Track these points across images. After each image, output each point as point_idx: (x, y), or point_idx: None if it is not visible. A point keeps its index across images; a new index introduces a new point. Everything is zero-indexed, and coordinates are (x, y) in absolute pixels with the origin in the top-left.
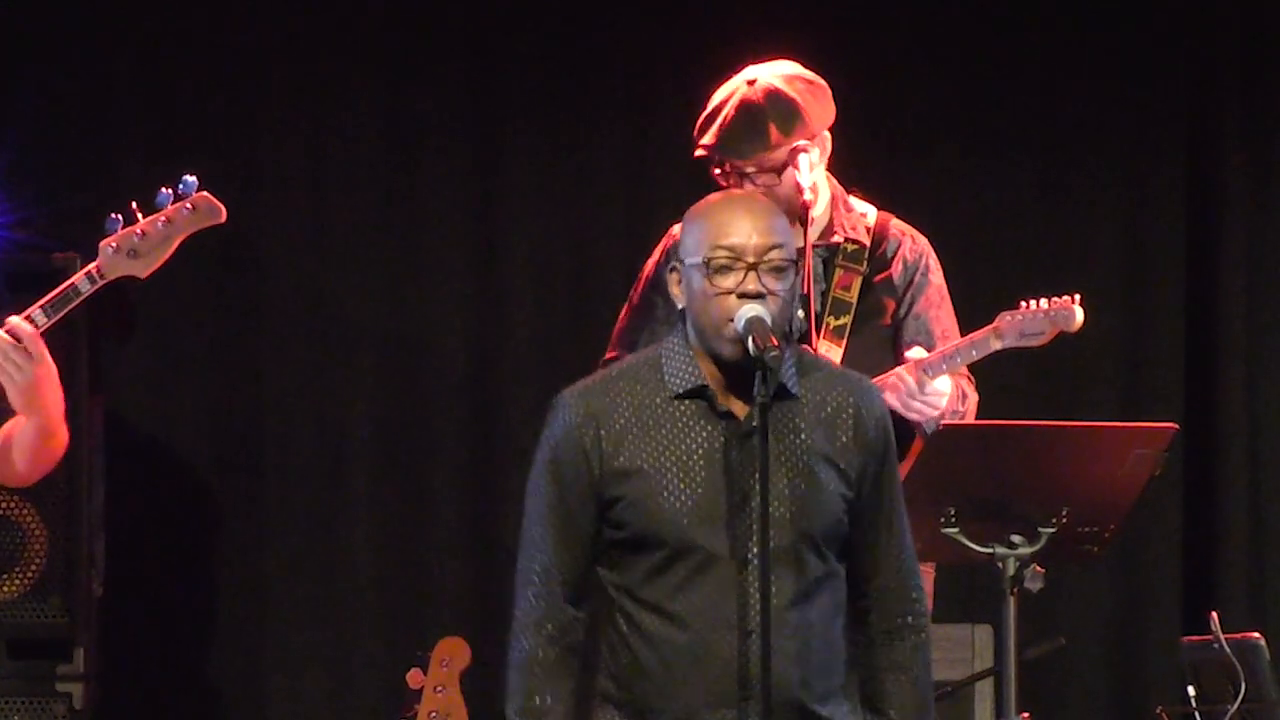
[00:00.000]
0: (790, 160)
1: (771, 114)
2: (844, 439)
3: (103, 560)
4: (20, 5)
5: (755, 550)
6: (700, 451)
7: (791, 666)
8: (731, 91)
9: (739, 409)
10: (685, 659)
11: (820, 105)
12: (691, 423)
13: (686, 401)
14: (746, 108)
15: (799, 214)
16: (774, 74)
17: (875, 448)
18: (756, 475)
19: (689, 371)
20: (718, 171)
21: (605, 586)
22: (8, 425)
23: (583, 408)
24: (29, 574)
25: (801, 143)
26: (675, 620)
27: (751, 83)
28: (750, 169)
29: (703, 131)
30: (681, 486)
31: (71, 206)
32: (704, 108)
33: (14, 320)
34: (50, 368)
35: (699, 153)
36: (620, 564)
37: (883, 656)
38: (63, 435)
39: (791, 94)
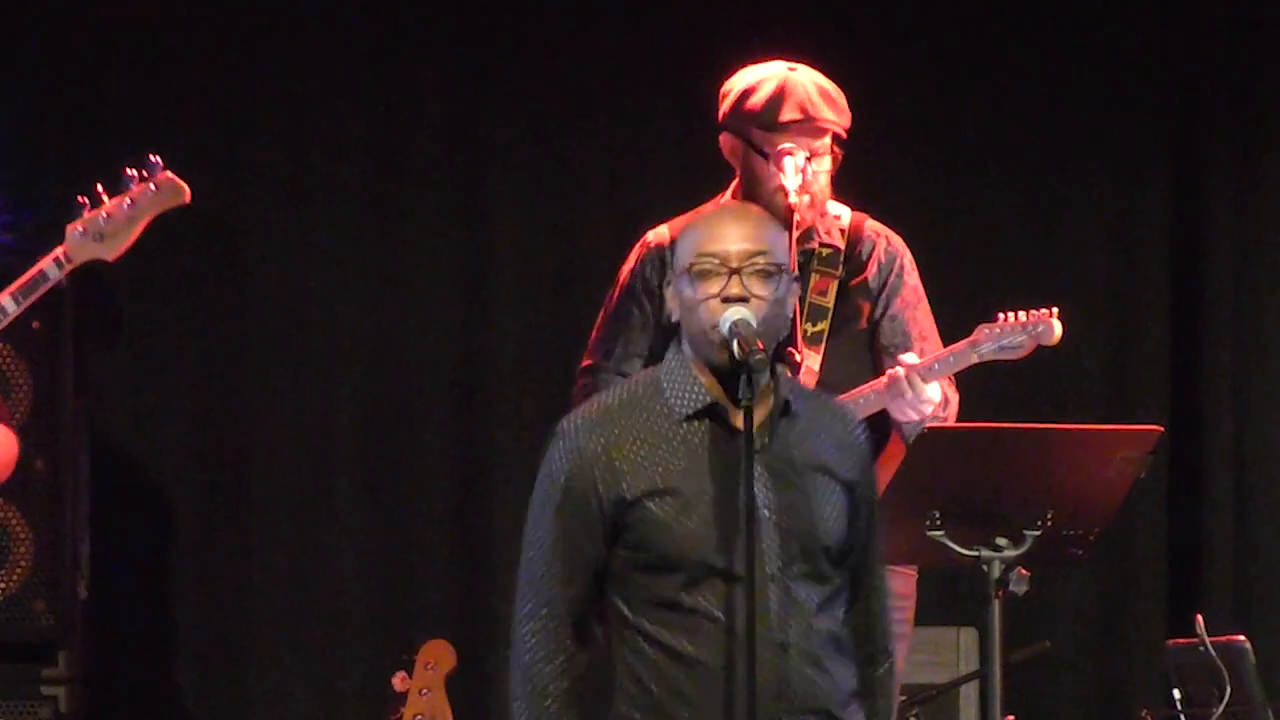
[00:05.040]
0: (776, 162)
1: (837, 95)
2: (843, 457)
3: (88, 563)
4: (6, 9)
5: (775, 563)
6: (715, 471)
7: (820, 675)
8: (783, 79)
9: (741, 425)
10: (715, 677)
11: None
12: (702, 442)
13: (695, 422)
14: (816, 84)
15: (784, 216)
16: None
17: (866, 472)
18: (772, 488)
19: (693, 391)
20: (780, 149)
21: (620, 614)
22: None
23: (590, 438)
24: (14, 577)
25: (788, 145)
26: (707, 638)
27: (794, 69)
28: (818, 144)
29: (772, 111)
30: (697, 507)
31: (57, 211)
32: (745, 102)
33: None
34: None
35: (777, 124)
36: (639, 588)
37: (861, 679)
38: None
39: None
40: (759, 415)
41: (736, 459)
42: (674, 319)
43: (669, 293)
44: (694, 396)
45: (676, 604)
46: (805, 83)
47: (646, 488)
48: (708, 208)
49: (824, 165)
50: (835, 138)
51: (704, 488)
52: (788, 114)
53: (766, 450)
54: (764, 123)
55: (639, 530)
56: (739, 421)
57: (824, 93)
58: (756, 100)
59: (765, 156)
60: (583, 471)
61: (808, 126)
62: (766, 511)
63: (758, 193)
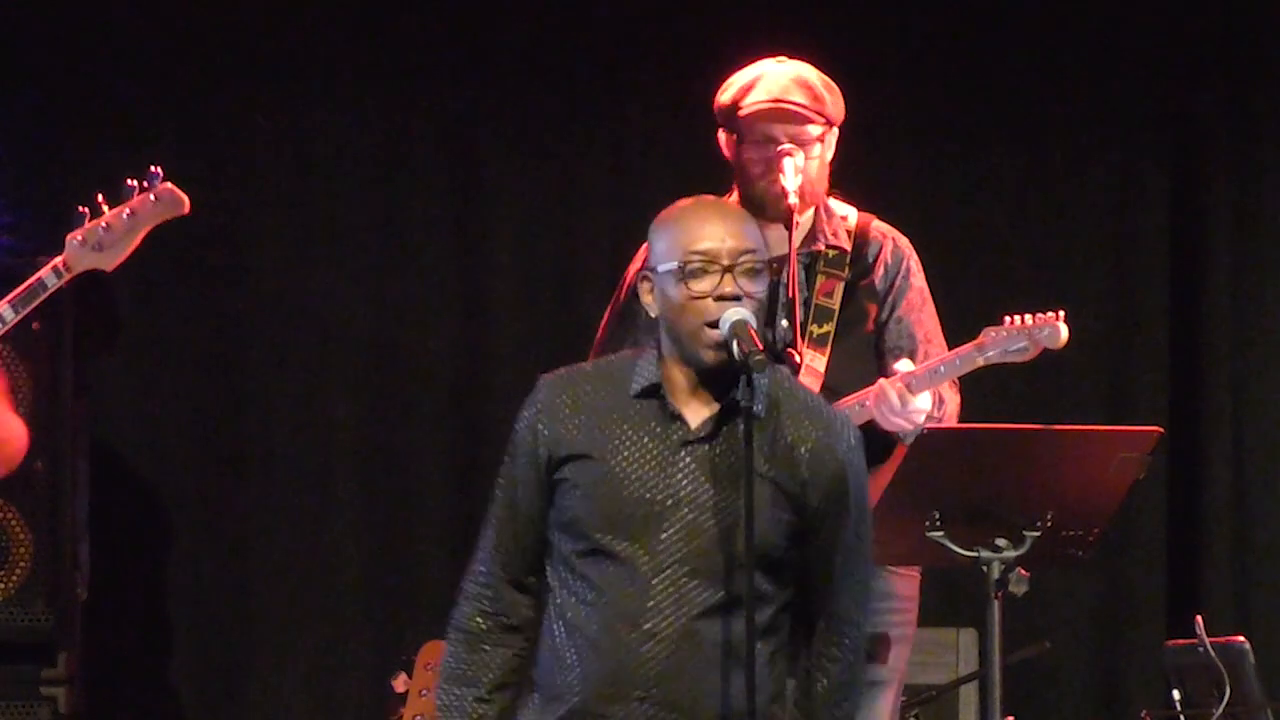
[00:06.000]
0: (775, 163)
1: (817, 83)
2: (796, 470)
3: (87, 564)
4: (6, 12)
5: (675, 555)
6: (648, 451)
7: (700, 677)
8: (762, 69)
9: (693, 415)
10: (592, 650)
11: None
12: (643, 422)
13: (643, 401)
14: (797, 73)
15: (784, 216)
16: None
17: (831, 489)
18: (703, 483)
19: (649, 372)
20: (753, 142)
21: (551, 573)
22: None
23: (548, 394)
24: (13, 578)
25: (787, 146)
26: (593, 610)
27: (781, 62)
28: (796, 130)
29: (742, 97)
30: (618, 481)
31: (56, 212)
32: (723, 95)
33: None
34: None
35: (745, 111)
36: (558, 543)
37: (806, 686)
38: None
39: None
40: (708, 411)
41: (671, 443)
42: (651, 314)
43: (643, 288)
44: (647, 376)
45: (579, 571)
46: (782, 72)
47: (574, 451)
48: (684, 202)
49: (812, 153)
50: (830, 128)
51: (628, 465)
52: (754, 97)
53: (712, 445)
54: (736, 110)
55: (559, 489)
56: (684, 408)
57: (802, 81)
58: (734, 91)
59: (744, 141)
60: (535, 424)
61: (777, 112)
62: (671, 502)
63: (748, 184)
